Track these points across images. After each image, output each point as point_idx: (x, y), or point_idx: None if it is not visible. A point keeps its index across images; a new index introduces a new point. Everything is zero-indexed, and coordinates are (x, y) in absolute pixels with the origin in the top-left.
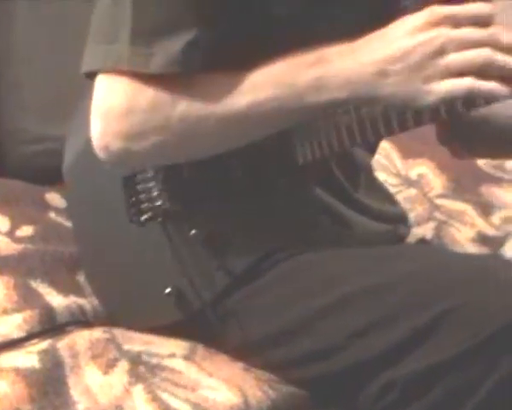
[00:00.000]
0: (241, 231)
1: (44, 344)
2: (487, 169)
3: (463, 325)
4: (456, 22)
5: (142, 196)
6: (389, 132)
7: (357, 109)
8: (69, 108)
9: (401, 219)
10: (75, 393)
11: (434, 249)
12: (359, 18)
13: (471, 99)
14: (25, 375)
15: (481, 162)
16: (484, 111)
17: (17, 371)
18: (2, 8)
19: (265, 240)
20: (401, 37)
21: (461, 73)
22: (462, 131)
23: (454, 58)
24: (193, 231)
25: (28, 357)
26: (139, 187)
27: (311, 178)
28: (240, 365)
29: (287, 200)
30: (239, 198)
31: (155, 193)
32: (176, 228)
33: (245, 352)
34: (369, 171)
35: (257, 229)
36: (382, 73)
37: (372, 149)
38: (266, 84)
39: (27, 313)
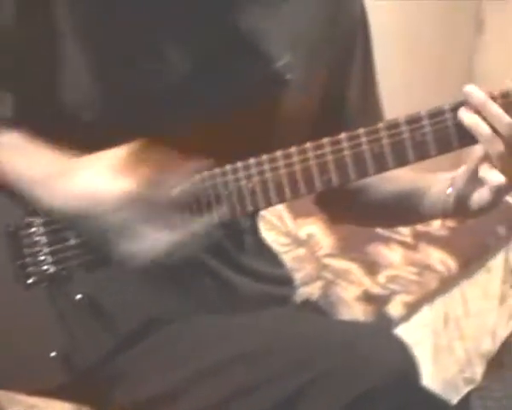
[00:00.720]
0: (126, 295)
1: None
2: (375, 228)
3: (330, 390)
4: None
5: (29, 260)
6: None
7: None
8: None
9: (287, 281)
10: None
11: (308, 316)
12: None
13: (364, 168)
14: None
15: None
16: (365, 182)
17: None
18: None
19: (149, 304)
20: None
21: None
22: (341, 198)
23: None
24: (78, 296)
25: None
26: (25, 251)
27: None
28: None
29: (170, 264)
30: (122, 264)
31: (41, 257)
32: (61, 292)
33: None
34: (254, 232)
35: (141, 294)
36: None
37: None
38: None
39: None
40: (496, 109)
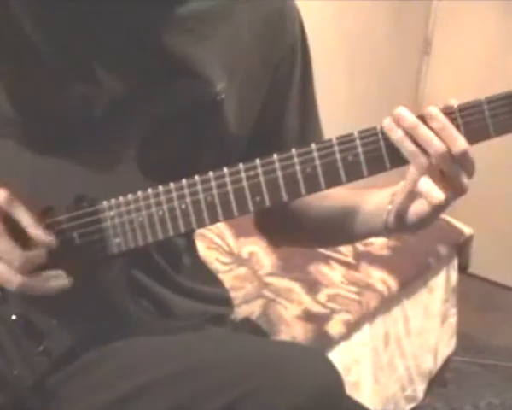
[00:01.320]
0: (59, 316)
1: None
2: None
3: (257, 407)
4: None
5: None
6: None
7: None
8: None
9: (224, 301)
10: None
11: (241, 336)
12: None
13: (296, 189)
14: None
15: None
16: (300, 204)
17: None
18: None
19: (83, 325)
20: None
21: None
22: (278, 221)
23: None
24: (13, 317)
25: None
26: None
27: (131, 264)
28: None
29: (105, 285)
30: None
31: None
32: None
33: None
34: (191, 252)
35: (74, 314)
36: None
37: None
38: None
39: None
40: (427, 132)
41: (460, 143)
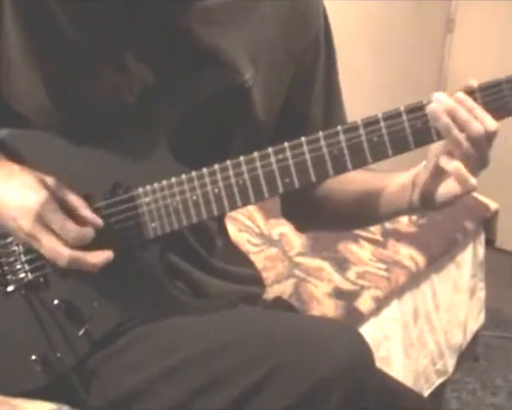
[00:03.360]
0: (99, 299)
1: None
2: None
3: (289, 379)
4: None
5: (6, 269)
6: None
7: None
8: None
9: (256, 281)
10: None
11: (272, 312)
12: None
13: (324, 170)
14: None
15: None
16: (326, 189)
17: None
18: None
19: (122, 307)
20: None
21: None
22: (305, 207)
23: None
24: (55, 301)
25: None
26: (3, 260)
27: (166, 248)
28: None
29: (142, 268)
30: (97, 271)
31: (18, 266)
32: (39, 298)
33: None
34: (224, 235)
35: (114, 297)
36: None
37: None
38: None
39: None
40: (465, 115)
41: (491, 122)
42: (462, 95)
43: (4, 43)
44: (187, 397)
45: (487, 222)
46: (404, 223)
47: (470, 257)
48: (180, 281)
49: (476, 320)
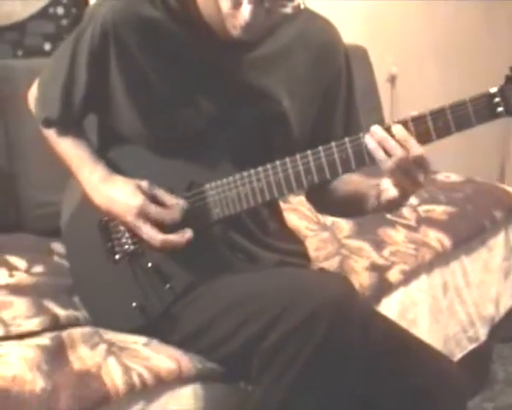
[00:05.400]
0: (180, 264)
1: (53, 334)
2: (385, 215)
3: (287, 322)
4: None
5: (115, 242)
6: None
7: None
8: (62, 183)
9: (302, 254)
10: (71, 359)
11: (292, 270)
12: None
13: (335, 170)
14: (42, 348)
15: None
16: (334, 187)
17: (38, 346)
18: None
19: (196, 269)
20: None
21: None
22: (319, 195)
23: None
24: (149, 264)
25: (44, 339)
26: (113, 236)
27: (228, 228)
28: (179, 351)
29: (210, 243)
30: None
31: (123, 240)
32: (138, 263)
33: (182, 343)
34: (276, 219)
35: (191, 263)
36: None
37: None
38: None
39: (42, 318)
40: (392, 144)
41: (416, 148)
42: (397, 127)
43: (113, 90)
44: (234, 328)
45: None
46: (436, 212)
47: (502, 242)
48: (239, 253)
49: (510, 298)
